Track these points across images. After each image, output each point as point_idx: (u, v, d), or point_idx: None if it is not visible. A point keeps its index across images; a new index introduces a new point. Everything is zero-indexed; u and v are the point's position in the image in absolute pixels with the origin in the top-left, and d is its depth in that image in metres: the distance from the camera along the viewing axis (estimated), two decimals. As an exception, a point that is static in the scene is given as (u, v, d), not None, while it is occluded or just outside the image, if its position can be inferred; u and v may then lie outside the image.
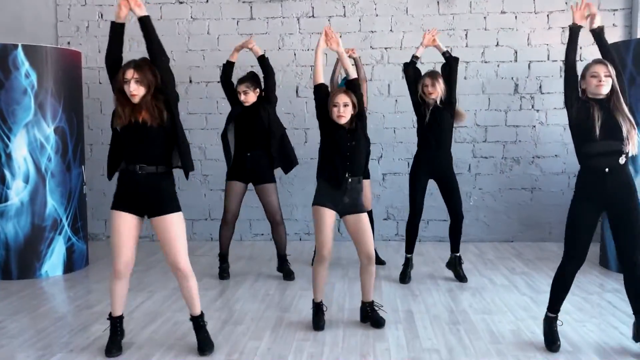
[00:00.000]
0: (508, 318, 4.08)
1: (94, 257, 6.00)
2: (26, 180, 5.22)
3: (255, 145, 5.06)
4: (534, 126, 6.75)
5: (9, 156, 5.17)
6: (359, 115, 3.86)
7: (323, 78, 3.91)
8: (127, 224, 3.37)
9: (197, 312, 3.55)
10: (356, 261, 4.94)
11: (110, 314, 3.56)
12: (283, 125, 5.25)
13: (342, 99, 3.76)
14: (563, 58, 6.57)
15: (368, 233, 3.84)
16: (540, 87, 6.72)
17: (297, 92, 6.88)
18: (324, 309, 3.96)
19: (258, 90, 5.05)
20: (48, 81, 5.26)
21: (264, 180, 5.09)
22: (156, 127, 3.31)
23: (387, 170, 6.85)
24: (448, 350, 3.51)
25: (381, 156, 6.84)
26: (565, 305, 4.32)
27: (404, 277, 5.02)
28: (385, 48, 6.82)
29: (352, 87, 3.88)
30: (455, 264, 5.06)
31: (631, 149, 3.26)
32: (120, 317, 3.56)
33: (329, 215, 3.78)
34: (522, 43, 6.70)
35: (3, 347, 3.64)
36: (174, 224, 3.38)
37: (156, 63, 3.32)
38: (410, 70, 4.97)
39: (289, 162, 5.21)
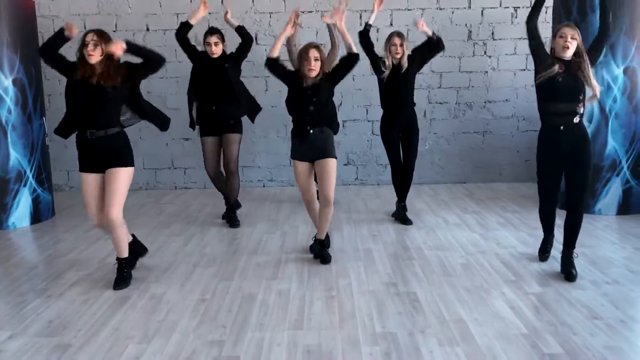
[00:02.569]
0: (459, 253, 4.43)
1: (60, 208, 6.08)
2: (-13, 133, 5.21)
3: (221, 98, 5.13)
4: (486, 72, 7.01)
5: (-33, 109, 5.13)
6: (335, 76, 4.13)
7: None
8: (91, 183, 3.74)
9: (122, 255, 3.87)
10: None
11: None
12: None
13: (314, 53, 3.96)
14: (515, 5, 6.83)
15: (329, 178, 4.09)
16: (492, 33, 6.94)
17: (256, 39, 6.89)
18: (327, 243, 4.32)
19: (224, 44, 5.17)
20: (3, 32, 5.17)
21: (227, 130, 5.20)
22: (110, 89, 3.63)
23: (347, 117, 7.04)
24: (404, 283, 3.83)
25: (341, 103, 7.00)
26: (512, 241, 4.73)
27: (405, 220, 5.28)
28: (343, -5, 6.87)
29: (353, 60, 4.10)
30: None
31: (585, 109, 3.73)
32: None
33: (301, 167, 4.15)
34: (476, -11, 6.88)
35: (-19, 295, 3.79)
36: (118, 176, 3.68)
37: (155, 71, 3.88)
38: (364, 40, 5.08)
39: (254, 109, 5.35)
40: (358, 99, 7.01)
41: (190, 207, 6.17)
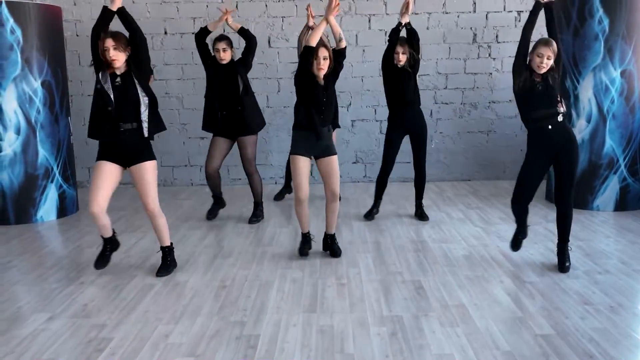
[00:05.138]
0: (461, 245, 4.71)
1: (83, 203, 6.38)
2: (17, 132, 5.53)
3: (230, 105, 5.30)
4: (491, 73, 7.27)
5: (0, 109, 5.46)
6: (335, 72, 4.29)
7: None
8: (108, 169, 3.91)
9: (165, 244, 4.17)
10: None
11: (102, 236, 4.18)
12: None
13: (323, 52, 4.14)
14: (518, 9, 7.08)
15: (335, 173, 4.34)
16: (496, 36, 7.20)
17: (269, 42, 7.20)
18: (311, 237, 4.54)
19: (232, 50, 5.33)
20: (33, 37, 5.50)
21: (242, 133, 5.40)
22: (132, 89, 3.85)
23: (356, 117, 7.32)
24: (410, 273, 4.12)
25: (350, 104, 7.29)
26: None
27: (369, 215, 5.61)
28: None
29: (341, 55, 4.27)
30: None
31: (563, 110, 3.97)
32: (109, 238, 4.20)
33: (304, 163, 4.24)
34: (481, -6, 7.14)
35: (20, 281, 4.11)
36: (147, 170, 3.97)
37: (139, 49, 3.87)
38: (395, 37, 5.21)
39: (258, 124, 5.53)
40: (367, 99, 7.30)
41: (206, 202, 6.46)
